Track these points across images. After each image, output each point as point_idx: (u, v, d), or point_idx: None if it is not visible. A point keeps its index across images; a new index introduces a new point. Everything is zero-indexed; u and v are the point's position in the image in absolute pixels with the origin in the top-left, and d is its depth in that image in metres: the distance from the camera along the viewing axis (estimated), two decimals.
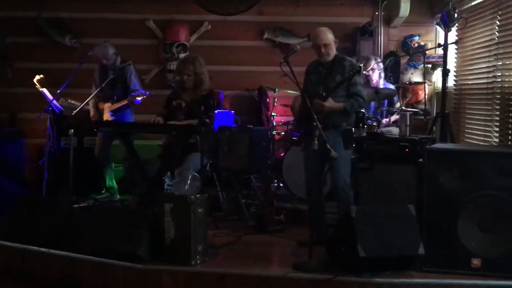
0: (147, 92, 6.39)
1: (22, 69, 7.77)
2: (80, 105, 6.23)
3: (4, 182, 6.53)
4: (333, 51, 5.12)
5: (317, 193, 5.14)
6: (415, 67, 7.78)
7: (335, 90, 4.93)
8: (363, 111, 5.89)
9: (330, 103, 4.90)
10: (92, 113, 6.65)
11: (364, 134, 5.63)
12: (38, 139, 7.42)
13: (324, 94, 4.93)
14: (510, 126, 5.67)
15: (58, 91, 6.57)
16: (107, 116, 6.48)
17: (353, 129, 5.19)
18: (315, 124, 4.55)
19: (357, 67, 4.88)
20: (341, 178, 5.00)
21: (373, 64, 6.80)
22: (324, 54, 5.09)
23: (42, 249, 4.75)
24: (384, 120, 6.76)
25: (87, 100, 6.31)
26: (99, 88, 6.36)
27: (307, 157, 4.73)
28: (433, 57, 7.38)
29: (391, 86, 7.08)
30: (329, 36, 5.10)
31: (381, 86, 6.91)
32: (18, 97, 7.82)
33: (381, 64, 7.03)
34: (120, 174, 6.95)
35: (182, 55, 7.60)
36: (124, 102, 6.47)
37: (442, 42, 6.31)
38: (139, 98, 6.38)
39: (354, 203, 4.97)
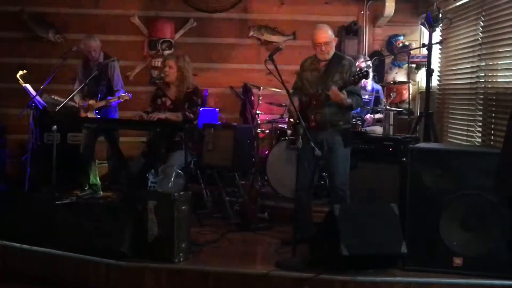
0: (130, 94, 6.35)
1: (4, 64, 7.70)
2: (63, 101, 6.18)
3: None
4: (332, 50, 5.05)
5: (307, 192, 5.13)
6: (399, 67, 7.83)
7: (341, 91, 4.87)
8: None
9: (344, 94, 4.82)
10: (80, 107, 6.62)
11: None
12: (21, 135, 7.35)
13: (320, 92, 4.90)
14: (492, 126, 5.72)
15: (42, 86, 6.52)
16: (91, 114, 6.44)
17: (350, 128, 5.16)
18: (298, 122, 4.55)
19: (364, 71, 4.82)
20: (340, 176, 4.99)
21: (361, 62, 6.82)
22: (324, 52, 5.00)
23: (24, 246, 4.72)
24: (368, 116, 6.76)
25: (70, 96, 6.26)
26: (83, 85, 6.32)
27: (303, 157, 4.68)
28: (418, 57, 7.43)
29: (379, 87, 7.10)
30: (329, 34, 5.02)
31: (369, 87, 6.94)
32: (0, 93, 7.74)
33: (369, 63, 7.05)
34: (104, 171, 6.91)
35: (167, 52, 7.58)
36: (103, 103, 6.43)
37: (426, 42, 6.35)
38: (116, 100, 6.37)
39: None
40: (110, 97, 6.42)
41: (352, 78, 4.81)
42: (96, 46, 6.59)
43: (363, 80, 6.75)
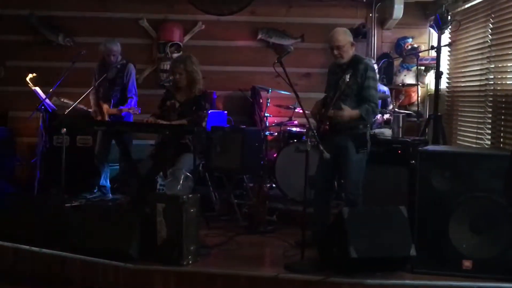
0: (139, 109, 6.36)
1: (14, 68, 7.74)
2: (73, 104, 6.21)
3: None
4: (347, 54, 4.96)
5: (325, 196, 5.10)
6: (408, 69, 7.80)
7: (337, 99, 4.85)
8: None
9: (348, 111, 4.77)
10: (92, 109, 6.64)
11: None
12: (30, 138, 7.39)
13: (333, 95, 4.88)
14: (502, 128, 5.69)
15: (51, 89, 6.55)
16: (105, 118, 6.48)
17: (368, 132, 5.04)
18: (308, 126, 4.55)
19: (345, 80, 4.79)
20: (352, 182, 4.93)
21: None
22: (337, 56, 4.97)
23: (34, 248, 4.73)
24: (379, 116, 6.74)
25: (80, 99, 6.29)
26: (92, 88, 6.34)
27: (321, 160, 4.66)
28: (426, 59, 7.41)
29: (385, 89, 7.09)
30: (342, 38, 4.95)
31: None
32: (10, 96, 7.78)
33: (376, 66, 7.03)
34: (114, 173, 6.94)
35: (175, 55, 7.58)
36: (114, 112, 6.46)
37: (435, 44, 6.35)
38: (126, 111, 6.42)
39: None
40: (122, 107, 6.46)
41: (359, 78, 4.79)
42: (116, 51, 6.63)
43: None
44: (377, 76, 7.00)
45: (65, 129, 5.70)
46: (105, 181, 6.83)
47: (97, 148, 6.74)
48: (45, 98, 6.51)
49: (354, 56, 5.03)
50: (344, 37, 4.97)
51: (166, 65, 7.59)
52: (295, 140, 6.58)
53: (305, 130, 5.90)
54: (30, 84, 6.64)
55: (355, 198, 4.93)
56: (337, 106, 4.85)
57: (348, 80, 4.79)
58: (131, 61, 6.70)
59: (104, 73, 6.53)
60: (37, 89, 6.66)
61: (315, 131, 4.57)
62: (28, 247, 4.76)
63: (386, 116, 6.73)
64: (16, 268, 4.81)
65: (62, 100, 6.78)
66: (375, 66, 6.89)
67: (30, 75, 6.68)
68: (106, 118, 6.48)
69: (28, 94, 6.83)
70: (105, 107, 6.52)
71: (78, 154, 6.80)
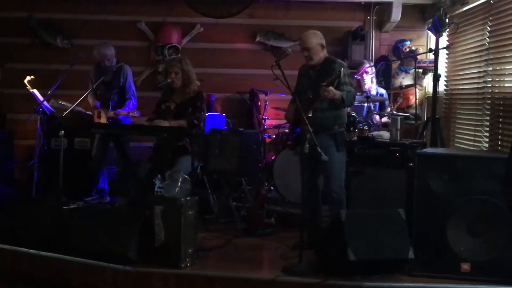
0: (139, 113, 6.36)
1: (12, 70, 7.74)
2: (70, 107, 6.21)
3: None
4: (317, 56, 5.09)
5: (314, 196, 5.13)
6: (406, 72, 7.82)
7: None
8: (354, 114, 5.93)
9: (333, 90, 4.81)
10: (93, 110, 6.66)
11: (355, 138, 5.65)
12: (28, 140, 7.38)
13: (311, 96, 4.93)
14: (499, 131, 5.71)
15: (49, 92, 6.55)
16: (104, 120, 6.48)
17: (344, 131, 5.18)
18: (306, 127, 4.56)
19: (337, 72, 4.80)
20: (335, 181, 5.00)
21: (366, 67, 6.82)
22: (307, 58, 5.11)
23: (32, 251, 4.73)
24: (377, 117, 6.76)
25: (78, 101, 6.28)
26: (90, 90, 6.34)
27: (308, 162, 4.70)
28: (424, 62, 7.43)
29: (383, 91, 7.10)
30: (312, 41, 5.08)
31: (373, 91, 6.94)
32: (8, 98, 7.78)
33: (373, 69, 7.05)
34: (112, 176, 6.93)
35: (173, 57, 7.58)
36: (112, 115, 6.48)
37: (433, 47, 6.36)
38: (124, 114, 6.44)
39: (346, 206, 4.98)
40: (119, 110, 6.47)
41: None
42: (110, 55, 6.65)
43: (367, 84, 6.84)
44: (375, 79, 7.06)
45: (63, 131, 5.70)
46: (103, 184, 6.83)
47: (94, 151, 6.74)
48: (43, 101, 6.50)
49: (326, 58, 5.15)
50: (313, 39, 5.10)
51: (164, 67, 7.59)
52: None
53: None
54: (28, 87, 6.64)
55: (340, 197, 4.99)
56: (315, 109, 4.89)
57: (326, 83, 4.80)
58: (126, 63, 6.69)
59: (100, 77, 6.53)
60: (35, 91, 6.66)
61: (310, 134, 4.56)
62: (26, 249, 4.75)
63: (384, 119, 6.75)
64: (14, 270, 4.80)
65: (60, 102, 6.76)
66: (373, 69, 6.94)
67: (28, 78, 6.67)
68: (105, 121, 6.46)
69: (26, 97, 6.82)
70: (104, 110, 6.52)
71: (76, 156, 6.80)
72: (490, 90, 5.96)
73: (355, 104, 5.82)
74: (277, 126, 7.23)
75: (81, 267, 4.54)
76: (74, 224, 4.87)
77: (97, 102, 6.58)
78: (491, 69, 5.96)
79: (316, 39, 5.11)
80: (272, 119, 7.48)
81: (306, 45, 5.09)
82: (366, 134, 5.97)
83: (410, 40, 7.87)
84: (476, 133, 6.19)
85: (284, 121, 7.29)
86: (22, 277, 4.75)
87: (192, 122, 5.74)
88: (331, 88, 4.79)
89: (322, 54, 5.13)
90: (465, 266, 4.30)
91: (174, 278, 4.35)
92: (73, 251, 4.62)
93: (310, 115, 4.88)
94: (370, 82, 6.95)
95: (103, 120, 6.47)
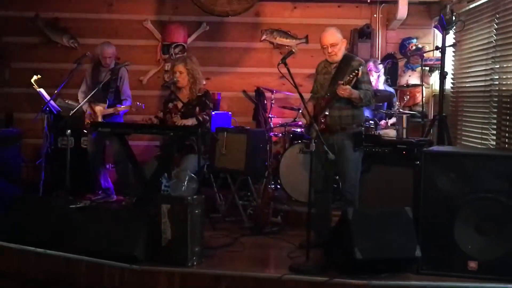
0: (143, 105, 6.37)
1: (19, 69, 7.76)
2: (77, 106, 6.23)
3: (1, 182, 6.52)
4: (341, 52, 5.06)
5: (322, 195, 5.10)
6: (412, 70, 7.79)
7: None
8: None
9: (350, 88, 4.79)
10: (86, 110, 6.65)
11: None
12: (35, 140, 7.40)
13: (328, 95, 4.91)
14: (507, 129, 5.68)
15: (56, 91, 6.56)
16: (99, 119, 6.47)
17: (362, 131, 5.11)
18: (312, 125, 4.55)
19: (355, 70, 4.82)
20: (349, 180, 4.97)
21: (370, 66, 6.80)
22: (331, 54, 5.04)
23: (39, 250, 4.74)
24: (383, 122, 6.76)
25: (84, 100, 6.31)
26: (96, 89, 6.35)
27: (316, 160, 4.69)
28: (431, 60, 7.40)
29: (391, 89, 7.08)
30: (336, 36, 5.04)
31: (381, 89, 6.91)
32: (15, 97, 7.80)
33: (380, 67, 7.03)
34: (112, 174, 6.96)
35: (179, 56, 7.59)
36: (111, 111, 6.49)
37: (439, 45, 6.33)
38: (124, 109, 6.45)
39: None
40: (119, 105, 6.48)
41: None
42: (112, 53, 6.69)
43: (373, 82, 6.82)
44: (384, 76, 7.05)
45: (69, 130, 5.71)
46: (107, 183, 6.83)
47: (90, 151, 6.74)
48: (50, 100, 6.52)
49: (345, 55, 5.12)
50: (337, 35, 5.07)
51: (170, 66, 7.60)
52: (300, 141, 6.57)
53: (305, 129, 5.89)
54: (35, 86, 6.65)
55: (352, 197, 4.96)
56: (333, 107, 4.90)
57: (343, 81, 4.80)
58: (126, 61, 6.69)
59: (96, 77, 6.56)
60: (42, 90, 6.67)
61: (316, 132, 4.55)
62: (33, 248, 4.77)
63: (392, 120, 6.71)
64: (21, 269, 4.82)
65: (66, 101, 6.78)
66: (379, 68, 6.92)
67: (35, 77, 6.69)
68: (100, 119, 6.45)
69: (33, 96, 6.84)
70: (99, 108, 6.51)
71: (83, 155, 6.81)
72: (497, 88, 5.94)
73: None
74: (283, 125, 7.22)
75: (88, 266, 4.55)
76: (81, 223, 4.89)
77: (90, 109, 6.58)
78: (498, 66, 5.94)
79: (339, 35, 5.08)
80: (278, 117, 7.47)
81: (331, 41, 5.02)
82: (373, 132, 5.97)
83: (417, 38, 7.85)
84: (483, 131, 6.17)
85: (290, 119, 7.32)
86: (29, 276, 4.76)
87: (202, 120, 5.75)
88: (347, 86, 4.77)
89: (343, 49, 5.10)
90: (473, 265, 4.28)
91: (180, 277, 4.35)
92: (79, 250, 4.64)
93: (326, 113, 4.89)
94: (376, 80, 6.92)
95: (97, 118, 6.45)
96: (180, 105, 6.00)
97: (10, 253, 4.87)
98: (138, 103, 6.39)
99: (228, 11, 6.98)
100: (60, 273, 4.66)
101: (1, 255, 4.92)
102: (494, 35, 6.04)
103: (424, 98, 6.99)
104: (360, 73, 4.78)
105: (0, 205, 5.67)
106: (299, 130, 6.97)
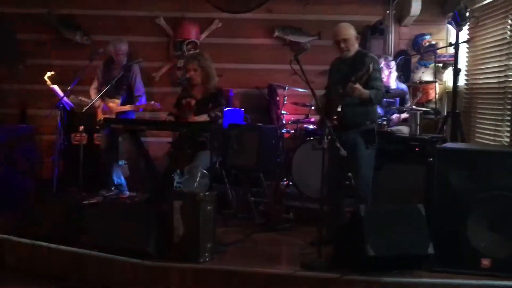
0: (158, 104, 6.40)
1: (33, 66, 7.81)
2: (90, 102, 6.25)
3: (16, 178, 6.57)
4: (354, 47, 5.03)
5: (334, 192, 5.09)
6: (426, 66, 7.76)
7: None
8: None
9: (360, 88, 4.76)
10: (102, 108, 6.69)
11: None
12: (49, 136, 7.45)
13: (341, 91, 4.90)
14: None
15: (69, 88, 6.59)
16: (112, 115, 6.51)
17: (375, 128, 5.08)
18: (325, 122, 4.54)
19: (367, 67, 4.80)
20: (362, 177, 4.96)
21: (382, 63, 6.77)
22: (344, 49, 5.01)
23: (51, 245, 4.78)
24: (395, 116, 6.73)
25: (97, 97, 6.34)
26: (109, 85, 6.37)
27: (329, 157, 4.68)
28: (444, 56, 7.37)
29: (404, 86, 7.05)
30: (349, 31, 5.02)
31: (393, 86, 6.89)
32: (29, 94, 7.85)
33: (392, 63, 6.99)
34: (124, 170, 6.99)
35: (191, 53, 7.60)
36: (128, 108, 6.53)
37: (453, 41, 6.30)
38: (144, 107, 6.48)
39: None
40: (138, 103, 6.51)
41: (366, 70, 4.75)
42: (124, 50, 6.72)
43: (384, 79, 6.79)
44: (396, 73, 7.01)
45: (83, 127, 5.74)
46: (119, 179, 6.86)
47: (104, 147, 6.78)
48: (63, 96, 6.55)
49: (358, 51, 5.09)
50: (349, 31, 5.04)
51: (183, 63, 7.61)
52: (312, 138, 6.56)
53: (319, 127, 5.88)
54: (49, 82, 6.68)
55: (365, 194, 4.95)
56: (346, 104, 4.87)
57: (354, 78, 4.77)
58: (138, 58, 6.72)
59: (108, 74, 6.58)
60: (55, 87, 6.70)
61: (328, 128, 4.54)
62: (45, 244, 4.81)
63: (404, 115, 6.69)
64: (33, 264, 4.86)
65: (80, 98, 6.81)
66: (391, 64, 6.88)
67: (49, 73, 6.71)
68: (114, 114, 6.49)
69: (47, 92, 6.88)
70: (112, 105, 6.55)
71: (96, 151, 6.84)
72: (511, 85, 5.89)
73: None
74: (295, 121, 7.22)
75: (100, 262, 4.58)
76: (94, 219, 4.91)
77: (104, 104, 6.62)
78: None
79: (352, 30, 5.06)
80: (290, 114, 7.46)
81: (343, 36, 5.00)
82: (385, 129, 5.95)
83: (430, 34, 7.80)
84: (496, 128, 6.13)
85: (303, 116, 7.31)
86: (41, 271, 4.80)
87: (214, 116, 5.76)
88: (357, 86, 4.73)
89: (356, 45, 5.08)
90: (486, 262, 4.26)
91: (192, 273, 4.37)
92: (92, 246, 4.67)
93: (339, 109, 4.87)
94: (387, 77, 6.89)
95: (111, 114, 6.48)
96: (193, 102, 6.01)
97: (22, 248, 4.91)
98: (152, 102, 6.42)
99: (240, 8, 6.98)
100: (72, 268, 4.70)
101: (13, 250, 4.96)
102: (508, 31, 5.99)
103: (437, 95, 6.96)
104: (371, 69, 4.75)
105: (14, 200, 5.73)
106: (311, 126, 6.96)
